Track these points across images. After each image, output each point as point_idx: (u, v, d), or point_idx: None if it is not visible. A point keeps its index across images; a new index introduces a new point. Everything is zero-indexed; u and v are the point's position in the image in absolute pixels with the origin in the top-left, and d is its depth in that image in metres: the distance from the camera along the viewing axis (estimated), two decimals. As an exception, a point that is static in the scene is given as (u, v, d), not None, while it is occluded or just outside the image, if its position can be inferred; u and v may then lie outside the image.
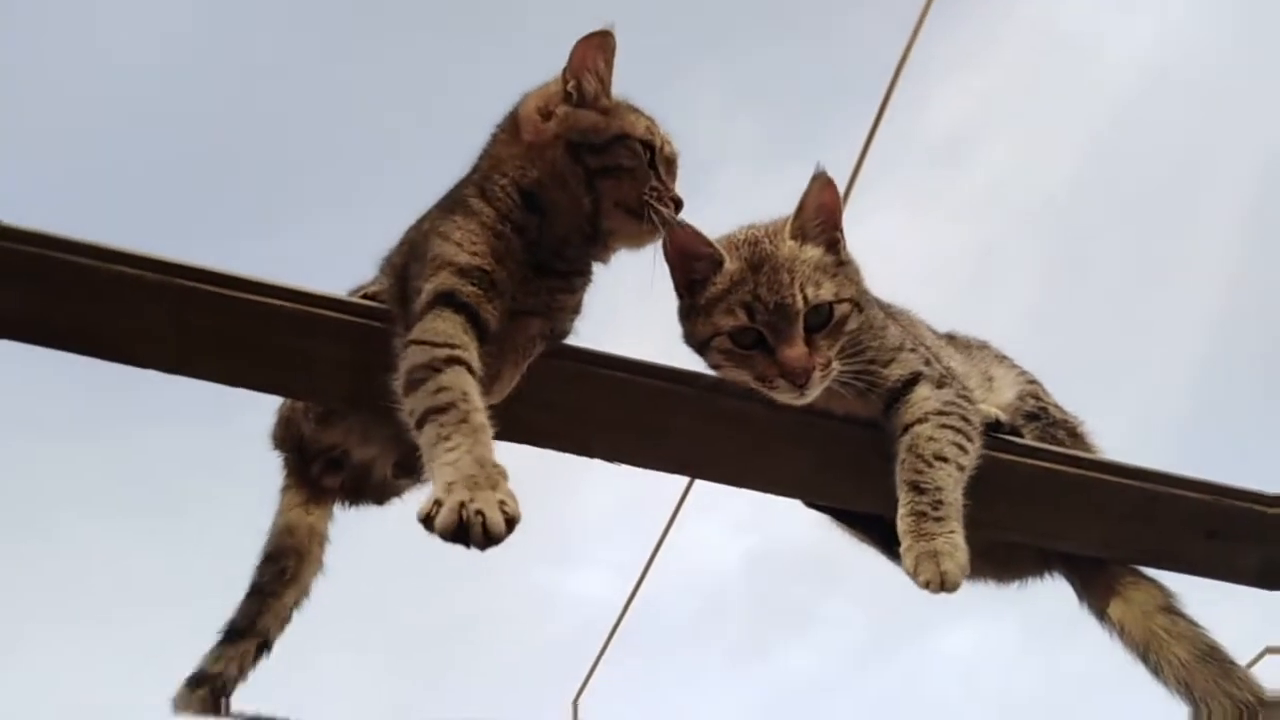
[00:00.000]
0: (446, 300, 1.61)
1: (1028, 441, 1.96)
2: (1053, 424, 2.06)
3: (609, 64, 1.83)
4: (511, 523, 1.30)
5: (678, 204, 1.81)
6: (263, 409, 1.99)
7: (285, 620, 1.88)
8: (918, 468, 1.75)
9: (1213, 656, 1.87)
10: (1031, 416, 2.05)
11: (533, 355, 1.71)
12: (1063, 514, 1.96)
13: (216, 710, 1.79)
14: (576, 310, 1.83)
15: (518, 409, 1.70)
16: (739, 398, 1.79)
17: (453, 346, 1.53)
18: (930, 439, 1.79)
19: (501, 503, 1.31)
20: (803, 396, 1.74)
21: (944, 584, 1.62)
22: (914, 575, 1.64)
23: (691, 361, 1.85)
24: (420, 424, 1.44)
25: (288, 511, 1.94)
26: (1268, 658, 2.13)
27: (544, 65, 1.87)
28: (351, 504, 2.00)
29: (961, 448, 1.80)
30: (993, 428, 1.91)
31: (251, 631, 1.84)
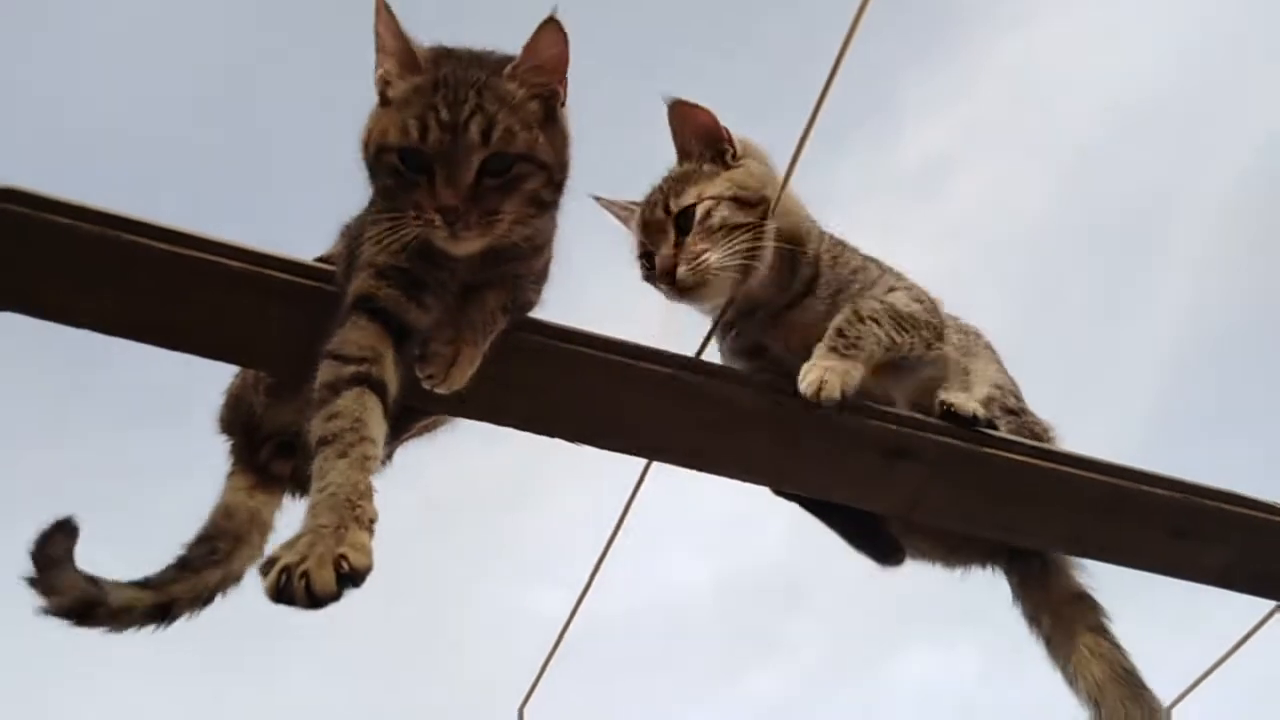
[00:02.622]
0: (363, 305, 1.53)
1: (1001, 434, 1.94)
2: (1030, 422, 2.06)
3: (383, 44, 1.54)
4: (353, 576, 1.23)
5: (446, 211, 1.47)
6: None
7: (199, 599, 1.75)
8: (848, 318, 1.87)
9: (1126, 680, 1.98)
10: (1009, 411, 2.04)
11: (494, 332, 1.62)
12: (1031, 508, 1.93)
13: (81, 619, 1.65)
14: (541, 277, 1.73)
15: (478, 385, 1.64)
16: (709, 377, 1.75)
17: (361, 361, 1.46)
18: (872, 311, 1.89)
19: (341, 558, 1.23)
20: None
21: (819, 393, 1.69)
22: (800, 382, 1.72)
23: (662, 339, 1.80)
24: (315, 452, 1.40)
25: (230, 494, 1.85)
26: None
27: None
28: (304, 494, 1.89)
29: (901, 329, 1.90)
30: (969, 421, 1.88)
31: (153, 588, 1.70)
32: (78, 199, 1.50)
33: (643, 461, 1.88)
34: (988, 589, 2.22)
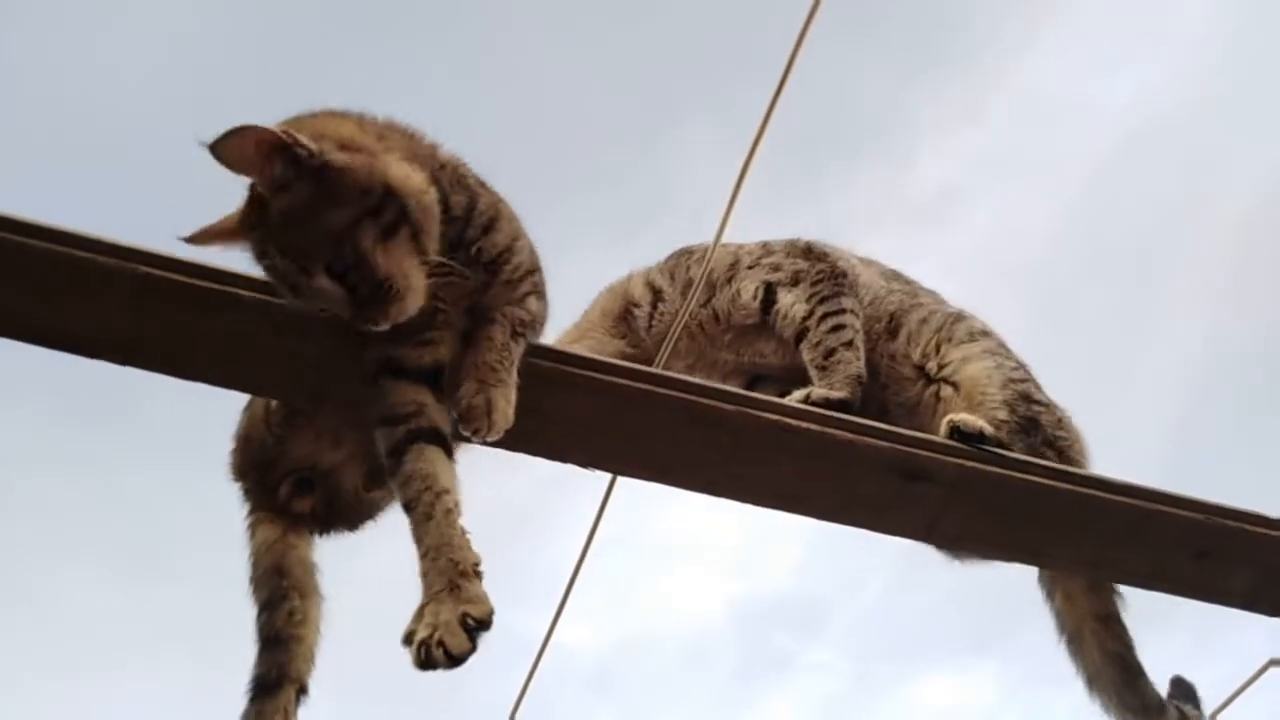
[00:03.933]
0: (385, 367, 1.60)
1: (1016, 455, 1.91)
2: (1041, 444, 2.03)
3: None
4: (481, 626, 1.39)
5: (357, 328, 1.55)
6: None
7: (313, 659, 1.75)
8: (819, 371, 2.20)
9: (1123, 666, 2.10)
10: (1023, 429, 2.02)
11: (514, 361, 1.63)
12: (1051, 531, 1.90)
13: None
14: (536, 284, 1.73)
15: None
16: (719, 400, 1.74)
17: (408, 418, 1.57)
18: (816, 345, 2.19)
19: (464, 615, 1.39)
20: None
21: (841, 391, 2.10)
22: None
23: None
24: (407, 515, 1.52)
25: (269, 549, 1.79)
26: (1272, 670, 2.13)
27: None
28: (323, 531, 1.86)
29: (840, 327, 2.21)
30: (976, 438, 1.86)
31: (286, 678, 1.71)
32: (86, 230, 1.51)
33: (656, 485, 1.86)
34: (1005, 612, 2.22)
